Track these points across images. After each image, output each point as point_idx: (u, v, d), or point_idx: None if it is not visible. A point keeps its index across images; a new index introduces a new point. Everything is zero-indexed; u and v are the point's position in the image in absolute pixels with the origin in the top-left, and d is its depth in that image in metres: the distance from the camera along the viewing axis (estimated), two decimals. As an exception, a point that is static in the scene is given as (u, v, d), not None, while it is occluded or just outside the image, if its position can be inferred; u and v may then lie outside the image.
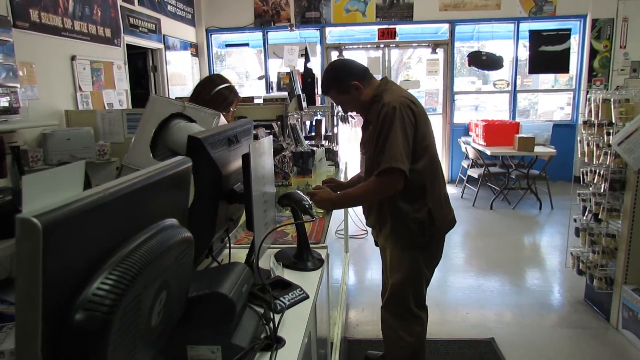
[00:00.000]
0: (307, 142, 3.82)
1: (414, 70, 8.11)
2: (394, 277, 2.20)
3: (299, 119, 4.42)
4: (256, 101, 4.31)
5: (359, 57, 7.48)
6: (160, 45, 6.16)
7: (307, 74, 4.32)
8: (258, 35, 7.39)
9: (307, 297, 1.28)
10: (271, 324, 1.10)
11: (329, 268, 1.68)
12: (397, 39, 7.20)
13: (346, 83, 2.06)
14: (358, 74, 2.09)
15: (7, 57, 3.46)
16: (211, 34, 7.46)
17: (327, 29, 7.33)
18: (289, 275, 1.46)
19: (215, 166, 1.17)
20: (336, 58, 7.29)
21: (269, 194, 1.38)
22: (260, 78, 6.96)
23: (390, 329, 2.24)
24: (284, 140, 3.20)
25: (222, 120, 2.25)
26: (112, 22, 5.06)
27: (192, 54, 7.20)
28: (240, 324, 1.04)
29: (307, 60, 4.33)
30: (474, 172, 6.51)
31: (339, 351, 2.36)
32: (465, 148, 6.73)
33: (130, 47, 5.58)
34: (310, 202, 1.45)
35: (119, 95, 5.14)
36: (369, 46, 7.48)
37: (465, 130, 7.35)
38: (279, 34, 7.34)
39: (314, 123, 4.43)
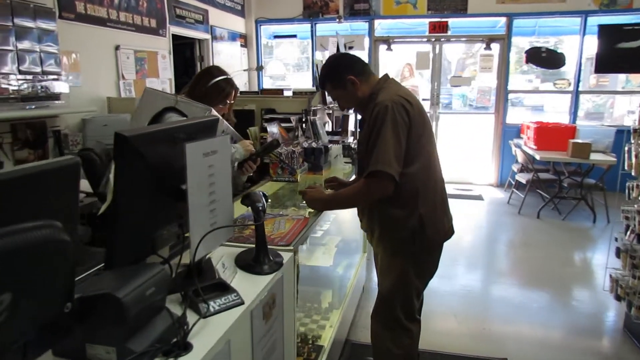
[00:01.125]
0: (335, 137, 3.75)
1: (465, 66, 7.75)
2: (382, 285, 2.10)
3: (331, 114, 4.35)
4: (286, 94, 4.28)
5: (408, 51, 7.25)
6: (207, 36, 6.28)
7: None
8: (306, 26, 7.36)
9: (241, 303, 1.23)
10: (186, 328, 1.07)
11: (296, 271, 1.62)
12: (449, 32, 6.91)
13: (342, 77, 1.98)
14: (355, 68, 2.00)
15: (51, 46, 3.64)
16: (260, 25, 7.52)
17: (376, 22, 7.16)
18: (243, 278, 1.42)
19: (148, 164, 1.14)
20: (386, 49, 7.14)
21: (221, 194, 1.34)
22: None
23: (378, 338, 2.14)
24: (302, 135, 3.15)
25: (214, 114, 2.23)
26: (158, 13, 5.21)
27: (241, 44, 7.30)
28: (146, 326, 1.01)
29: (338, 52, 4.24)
30: (523, 177, 6.14)
31: (326, 354, 2.29)
32: (515, 151, 6.37)
33: (177, 37, 5.74)
34: (263, 203, 1.40)
35: (162, 84, 5.31)
36: (418, 40, 7.24)
37: (518, 132, 6.95)
38: (327, 26, 7.27)
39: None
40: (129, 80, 4.77)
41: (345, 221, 3.21)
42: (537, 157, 5.73)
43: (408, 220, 1.94)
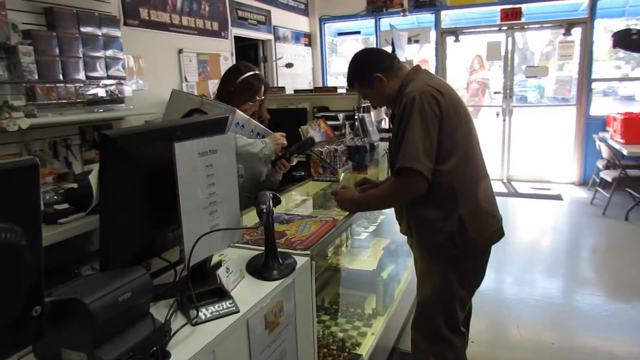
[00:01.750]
0: (387, 135, 3.60)
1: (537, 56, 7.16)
2: (421, 293, 1.95)
3: (387, 111, 4.20)
4: (340, 91, 4.19)
5: (478, 41, 6.85)
6: (270, 36, 6.34)
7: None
8: (370, 22, 7.21)
9: (236, 311, 1.16)
10: (166, 338, 1.02)
11: (312, 276, 1.53)
12: (523, 19, 6.44)
13: (368, 76, 1.87)
14: (382, 65, 1.87)
15: (116, 52, 3.83)
16: (324, 23, 7.47)
17: (443, 12, 6.84)
18: (250, 284, 1.35)
19: (138, 164, 1.11)
20: (453, 41, 6.80)
21: (225, 195, 1.28)
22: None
23: (418, 351, 1.99)
24: (350, 133, 3.04)
25: (240, 115, 2.18)
26: (220, 16, 5.32)
27: (305, 44, 7.30)
28: (123, 333, 0.97)
29: (393, 48, 4.06)
30: (609, 175, 5.56)
31: (365, 364, 2.17)
32: (600, 146, 5.79)
33: (241, 39, 5.85)
34: (268, 205, 1.32)
35: (224, 86, 5.42)
36: (489, 29, 6.81)
37: (603, 124, 6.32)
38: (391, 20, 7.06)
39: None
40: (191, 82, 4.92)
41: (395, 223, 3.06)
42: (625, 152, 5.18)
43: (446, 223, 1.77)
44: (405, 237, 2.06)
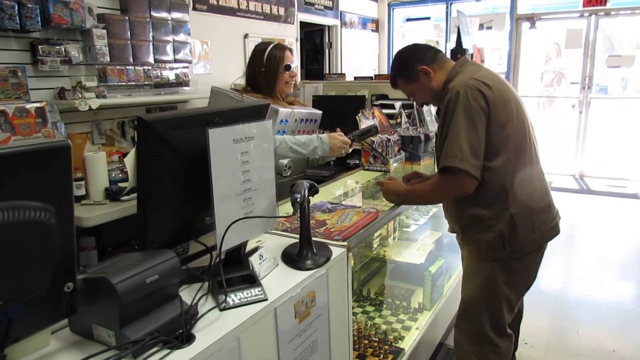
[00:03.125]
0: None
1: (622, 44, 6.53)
2: (465, 291, 1.87)
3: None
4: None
5: (557, 28, 6.39)
6: (336, 22, 6.29)
7: (457, 50, 3.88)
8: (441, 7, 6.95)
9: (264, 299, 1.16)
10: (192, 321, 1.04)
11: (349, 268, 1.50)
12: (610, 5, 5.93)
13: (413, 69, 1.79)
14: (426, 57, 1.79)
15: (184, 36, 3.95)
16: (393, 8, 7.29)
17: (520, -2, 6.45)
18: (283, 272, 1.35)
19: (174, 149, 1.13)
20: (529, 28, 6.40)
21: (260, 182, 1.28)
22: None
23: (462, 351, 1.92)
24: (406, 122, 2.96)
25: (282, 111, 2.11)
26: (287, 1, 5.34)
27: (372, 29, 7.17)
28: (151, 314, 1.01)
29: (459, 35, 3.88)
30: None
31: (405, 358, 2.13)
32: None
33: (306, 25, 5.84)
34: (303, 195, 1.30)
35: (288, 71, 5.46)
36: (569, 15, 6.33)
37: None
38: (464, 6, 6.76)
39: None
40: (255, 67, 4.99)
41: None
42: None
43: (496, 221, 1.69)
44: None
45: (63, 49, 3.00)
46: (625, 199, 5.57)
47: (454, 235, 1.94)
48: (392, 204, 1.90)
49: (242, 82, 2.29)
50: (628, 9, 6.08)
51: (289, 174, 2.24)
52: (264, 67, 2.14)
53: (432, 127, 2.95)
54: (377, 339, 2.22)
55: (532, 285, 1.87)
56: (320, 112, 2.38)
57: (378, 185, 1.99)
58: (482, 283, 1.79)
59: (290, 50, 2.24)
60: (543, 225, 1.74)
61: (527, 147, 1.72)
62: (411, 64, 1.80)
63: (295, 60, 2.32)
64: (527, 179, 1.70)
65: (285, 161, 2.19)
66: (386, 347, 2.18)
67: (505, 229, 1.68)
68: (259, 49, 2.19)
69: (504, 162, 1.64)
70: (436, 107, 1.88)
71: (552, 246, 1.85)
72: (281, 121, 2.13)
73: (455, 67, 1.78)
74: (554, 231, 1.79)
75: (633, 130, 6.38)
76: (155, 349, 0.95)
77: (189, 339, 1.00)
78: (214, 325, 1.06)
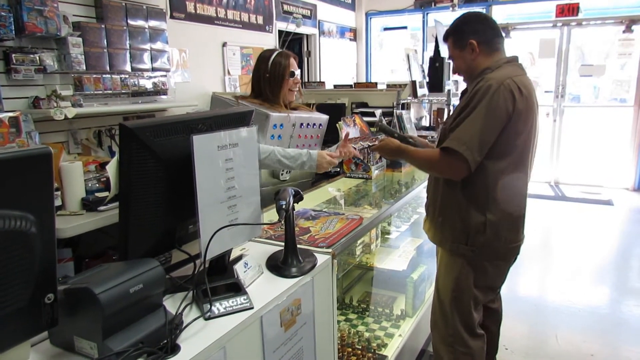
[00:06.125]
0: (425, 132, 3.52)
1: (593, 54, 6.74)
2: (438, 286, 1.90)
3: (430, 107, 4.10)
4: (380, 87, 4.13)
5: (530, 38, 6.55)
6: (315, 31, 6.33)
7: (435, 59, 3.94)
8: (418, 17, 7.05)
9: (250, 307, 1.15)
10: (177, 331, 1.02)
11: (334, 275, 1.50)
12: (581, 15, 6.11)
13: (464, 37, 1.77)
14: (483, 35, 1.76)
15: (162, 44, 3.92)
16: (370, 18, 7.37)
17: (494, 8, 6.60)
18: (268, 280, 1.34)
19: (157, 156, 1.11)
20: (505, 37, 6.54)
21: (245, 189, 1.27)
22: None
23: (437, 355, 1.93)
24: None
25: (275, 116, 2.11)
26: (265, 10, 5.35)
27: (350, 38, 7.24)
28: (134, 324, 0.98)
29: (436, 44, 3.95)
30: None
31: (389, 366, 2.13)
32: (658, 149, 5.44)
33: (286, 33, 5.85)
34: (288, 202, 1.29)
35: (267, 79, 5.45)
36: (543, 25, 6.49)
37: (664, 127, 5.93)
38: (440, 15, 6.88)
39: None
40: (234, 75, 4.98)
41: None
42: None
43: (467, 216, 1.71)
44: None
45: (37, 58, 2.95)
46: (599, 205, 5.71)
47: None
48: (374, 211, 1.91)
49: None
50: (599, 19, 6.29)
51: (287, 178, 2.25)
52: (268, 74, 2.15)
53: (413, 134, 2.98)
54: (360, 347, 2.21)
55: (495, 290, 1.90)
56: (326, 116, 2.38)
57: (374, 149, 2.07)
58: (453, 280, 1.82)
59: (295, 57, 2.26)
60: (510, 241, 1.77)
61: (526, 162, 1.75)
62: (466, 32, 1.78)
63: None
64: (513, 194, 1.72)
65: None
66: (369, 354, 2.17)
67: (472, 229, 1.72)
68: (264, 56, 2.20)
69: (501, 168, 1.67)
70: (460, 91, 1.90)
71: (529, 252, 1.90)
72: (274, 125, 2.13)
73: (501, 60, 1.76)
74: (513, 252, 1.83)
75: (605, 138, 6.57)
76: (139, 360, 0.93)
77: (173, 349, 0.98)
78: (200, 335, 1.05)
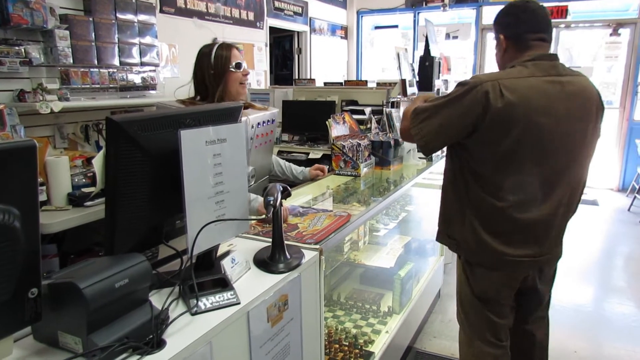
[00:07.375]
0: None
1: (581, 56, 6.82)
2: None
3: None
4: (370, 85, 4.13)
5: (520, 39, 6.62)
6: (306, 28, 6.31)
7: (425, 58, 3.95)
8: (409, 16, 7.07)
9: (236, 303, 1.15)
10: (163, 326, 1.02)
11: (321, 272, 1.50)
12: (570, 18, 6.18)
13: (497, 31, 1.70)
14: (513, 29, 1.64)
15: (151, 39, 3.88)
16: (362, 16, 7.38)
17: (485, 9, 6.64)
18: (255, 276, 1.34)
19: (144, 150, 1.10)
20: (494, 38, 6.59)
21: (233, 185, 1.27)
22: None
23: (461, 349, 1.89)
24: (376, 127, 2.99)
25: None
26: (256, 6, 5.33)
27: (341, 36, 7.24)
28: (120, 320, 0.98)
29: (427, 43, 3.96)
30: (650, 181, 5.32)
31: (376, 364, 2.14)
32: (641, 151, 5.53)
33: (277, 30, 5.84)
34: (275, 198, 1.29)
35: (257, 76, 5.43)
36: (532, 27, 6.55)
37: (648, 129, 6.03)
38: (431, 15, 6.91)
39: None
40: (224, 71, 4.95)
41: (417, 221, 3.00)
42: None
43: (461, 225, 1.70)
44: (423, 236, 2.00)
45: (23, 50, 2.90)
46: (584, 206, 5.78)
47: (423, 239, 1.96)
48: (363, 208, 1.92)
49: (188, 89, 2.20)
50: (587, 22, 6.36)
51: (252, 183, 2.19)
52: (212, 70, 2.01)
53: (401, 132, 2.99)
54: (347, 343, 2.22)
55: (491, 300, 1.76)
56: (276, 110, 2.27)
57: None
58: (457, 279, 1.82)
59: (237, 48, 2.11)
60: (502, 254, 1.64)
61: (535, 185, 1.59)
62: (499, 26, 1.70)
63: (265, 65, 2.27)
64: (515, 217, 1.60)
65: (249, 169, 2.11)
66: (356, 350, 2.18)
67: (459, 233, 1.70)
68: (204, 51, 2.06)
69: (484, 174, 1.59)
70: None
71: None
72: None
73: (523, 58, 1.60)
74: (511, 265, 1.67)
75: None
76: (124, 355, 0.93)
77: (159, 344, 0.98)
78: (186, 330, 1.04)
